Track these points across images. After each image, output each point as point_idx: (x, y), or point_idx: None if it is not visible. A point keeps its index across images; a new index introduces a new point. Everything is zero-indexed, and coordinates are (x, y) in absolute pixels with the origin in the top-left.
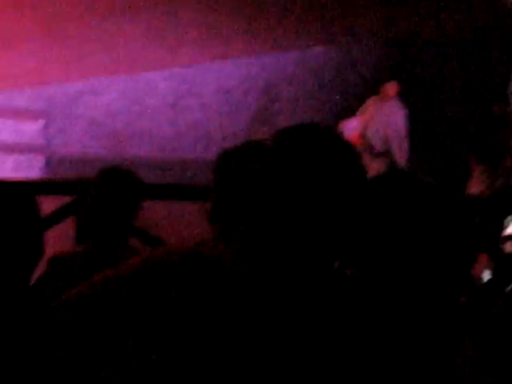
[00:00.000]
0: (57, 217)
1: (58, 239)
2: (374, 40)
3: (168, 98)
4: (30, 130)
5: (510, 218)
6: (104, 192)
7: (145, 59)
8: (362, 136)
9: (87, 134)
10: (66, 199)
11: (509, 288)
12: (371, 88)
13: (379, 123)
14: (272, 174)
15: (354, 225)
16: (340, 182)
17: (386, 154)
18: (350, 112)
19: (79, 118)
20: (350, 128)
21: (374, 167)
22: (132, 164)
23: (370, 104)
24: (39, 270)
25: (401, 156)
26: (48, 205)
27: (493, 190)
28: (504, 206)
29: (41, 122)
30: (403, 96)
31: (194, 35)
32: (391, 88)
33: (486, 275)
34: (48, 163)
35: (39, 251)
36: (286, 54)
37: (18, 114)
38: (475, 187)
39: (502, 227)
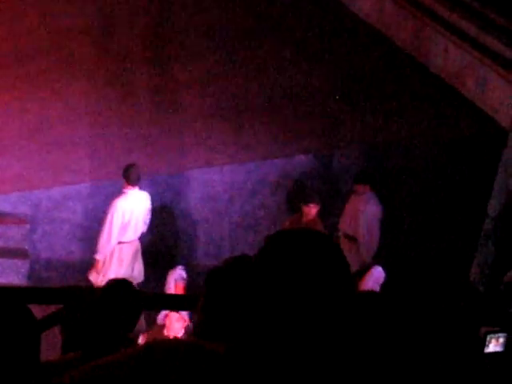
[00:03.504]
0: (45, 324)
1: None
2: (352, 148)
3: (153, 205)
4: (15, 234)
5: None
6: (109, 303)
7: None
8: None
9: (72, 238)
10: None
11: None
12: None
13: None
14: (255, 292)
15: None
16: (322, 298)
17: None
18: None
19: (64, 222)
20: None
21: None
22: None
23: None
24: None
25: (368, 249)
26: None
27: None
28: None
29: (26, 227)
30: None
31: (180, 143)
32: (362, 187)
33: None
34: (33, 267)
35: (36, 359)
36: (269, 162)
37: (2, 218)
38: None
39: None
